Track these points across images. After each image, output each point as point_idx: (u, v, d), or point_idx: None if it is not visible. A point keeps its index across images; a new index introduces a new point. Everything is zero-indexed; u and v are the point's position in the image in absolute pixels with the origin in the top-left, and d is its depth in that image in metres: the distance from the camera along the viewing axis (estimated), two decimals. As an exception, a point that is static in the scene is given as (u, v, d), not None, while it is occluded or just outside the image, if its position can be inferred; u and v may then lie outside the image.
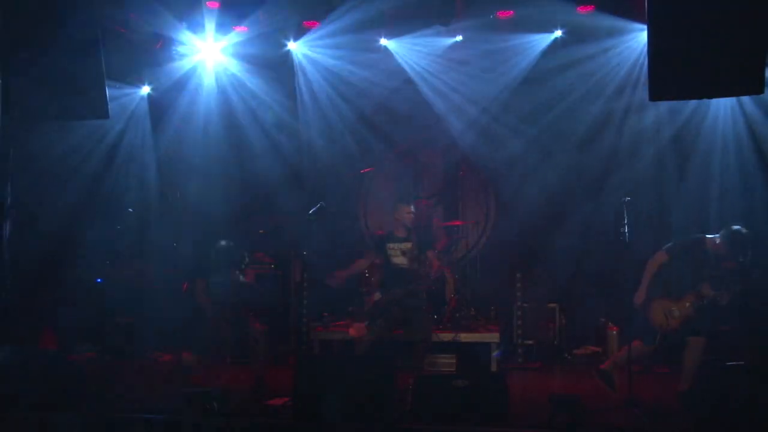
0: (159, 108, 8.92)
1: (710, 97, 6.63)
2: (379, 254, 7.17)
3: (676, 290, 6.07)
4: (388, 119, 9.11)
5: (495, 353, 7.45)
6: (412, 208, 7.10)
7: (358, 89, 8.64)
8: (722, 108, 7.99)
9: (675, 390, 6.01)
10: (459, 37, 8.08)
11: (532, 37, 7.98)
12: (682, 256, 6.14)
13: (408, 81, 8.52)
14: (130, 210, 7.30)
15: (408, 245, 7.04)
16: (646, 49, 5.40)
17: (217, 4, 7.75)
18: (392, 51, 8.31)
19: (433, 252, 7.12)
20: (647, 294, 6.14)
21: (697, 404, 5.32)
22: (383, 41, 8.19)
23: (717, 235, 6.08)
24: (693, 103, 8.01)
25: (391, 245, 7.06)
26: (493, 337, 7.55)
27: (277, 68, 8.58)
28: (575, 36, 7.81)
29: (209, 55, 8.40)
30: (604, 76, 8.11)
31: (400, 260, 7.04)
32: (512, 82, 8.37)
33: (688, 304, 6.00)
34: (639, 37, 7.53)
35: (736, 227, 6.02)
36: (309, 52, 8.44)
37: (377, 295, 7.02)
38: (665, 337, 6.07)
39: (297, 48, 8.41)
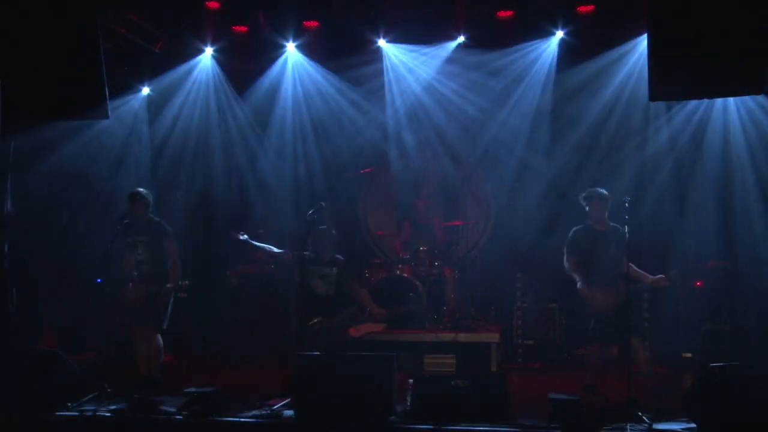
0: (158, 108, 8.90)
1: (710, 97, 6.63)
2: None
3: (603, 277, 6.10)
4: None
5: None
6: (324, 237, 6.78)
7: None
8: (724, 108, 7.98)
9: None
10: (461, 38, 8.07)
11: (534, 43, 8.01)
12: (582, 249, 6.23)
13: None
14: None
15: (331, 270, 6.74)
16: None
17: (216, 5, 7.75)
18: (390, 54, 8.31)
19: (358, 281, 6.93)
20: (590, 292, 6.17)
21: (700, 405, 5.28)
22: (381, 42, 8.18)
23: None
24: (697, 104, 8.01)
25: (312, 268, 6.70)
26: (493, 337, 7.56)
27: (275, 69, 8.58)
28: (577, 38, 7.81)
29: (209, 55, 8.40)
30: (605, 77, 8.13)
31: (315, 284, 6.70)
32: (514, 87, 8.41)
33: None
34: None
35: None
36: (303, 60, 8.48)
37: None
38: (601, 320, 6.08)
39: (294, 51, 8.41)
